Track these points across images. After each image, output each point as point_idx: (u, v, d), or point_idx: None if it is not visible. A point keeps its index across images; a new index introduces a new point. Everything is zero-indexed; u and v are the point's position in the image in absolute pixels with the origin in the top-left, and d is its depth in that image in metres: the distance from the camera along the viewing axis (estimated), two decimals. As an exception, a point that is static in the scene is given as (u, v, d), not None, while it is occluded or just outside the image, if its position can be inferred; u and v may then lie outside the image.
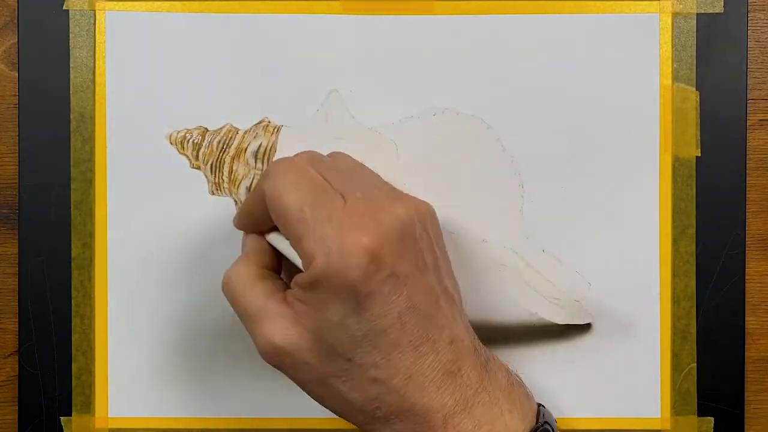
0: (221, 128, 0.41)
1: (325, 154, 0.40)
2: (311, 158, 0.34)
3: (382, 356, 0.31)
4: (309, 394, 0.33)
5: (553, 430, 0.33)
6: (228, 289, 0.34)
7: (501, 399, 0.33)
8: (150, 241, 0.41)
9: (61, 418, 0.41)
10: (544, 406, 0.35)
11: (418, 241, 0.32)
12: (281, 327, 0.31)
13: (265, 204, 0.32)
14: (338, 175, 0.33)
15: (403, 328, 0.31)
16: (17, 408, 0.41)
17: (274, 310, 0.32)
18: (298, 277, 0.31)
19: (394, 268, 0.30)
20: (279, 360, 0.32)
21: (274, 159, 0.40)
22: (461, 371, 0.32)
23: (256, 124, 0.41)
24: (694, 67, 0.41)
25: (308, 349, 0.31)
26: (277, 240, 0.34)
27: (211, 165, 0.41)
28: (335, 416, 0.41)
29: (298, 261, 0.32)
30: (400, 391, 0.31)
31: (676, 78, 0.41)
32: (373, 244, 0.30)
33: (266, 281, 0.34)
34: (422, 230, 0.33)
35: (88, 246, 0.41)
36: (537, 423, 0.33)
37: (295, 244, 0.31)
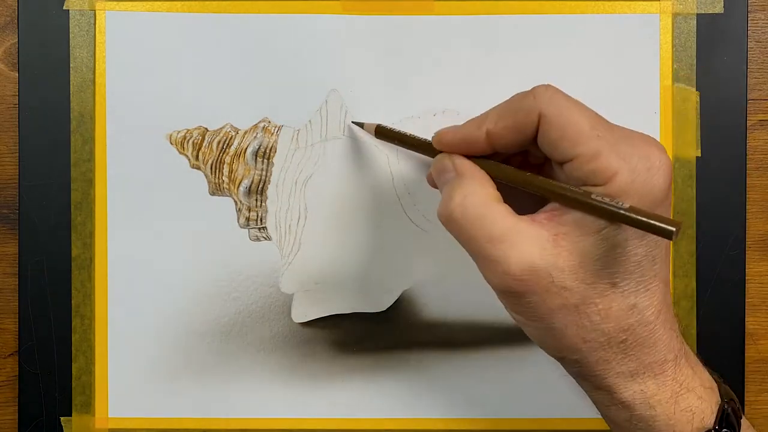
0: (221, 128, 0.41)
1: (325, 153, 0.41)
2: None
3: (645, 285, 0.30)
4: (543, 326, 0.31)
5: (737, 412, 0.33)
6: (462, 213, 0.31)
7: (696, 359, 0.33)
8: (150, 241, 0.41)
9: (61, 418, 0.41)
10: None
11: None
12: (540, 247, 0.29)
13: (530, 125, 0.31)
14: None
15: (665, 261, 0.31)
16: (17, 408, 0.41)
17: (527, 230, 0.30)
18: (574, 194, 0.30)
19: (672, 189, 0.31)
20: (530, 284, 0.30)
21: (275, 158, 0.40)
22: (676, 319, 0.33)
23: (256, 124, 0.41)
24: (694, 67, 0.41)
25: (571, 271, 0.30)
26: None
27: (211, 165, 0.41)
28: (335, 416, 0.41)
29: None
30: (651, 324, 0.31)
31: (676, 78, 0.41)
32: (670, 169, 0.30)
33: (504, 203, 0.31)
34: None
35: (88, 246, 0.41)
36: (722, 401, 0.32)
37: (588, 161, 0.29)
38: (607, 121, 0.31)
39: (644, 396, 0.31)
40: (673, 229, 0.27)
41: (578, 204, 0.29)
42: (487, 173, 0.32)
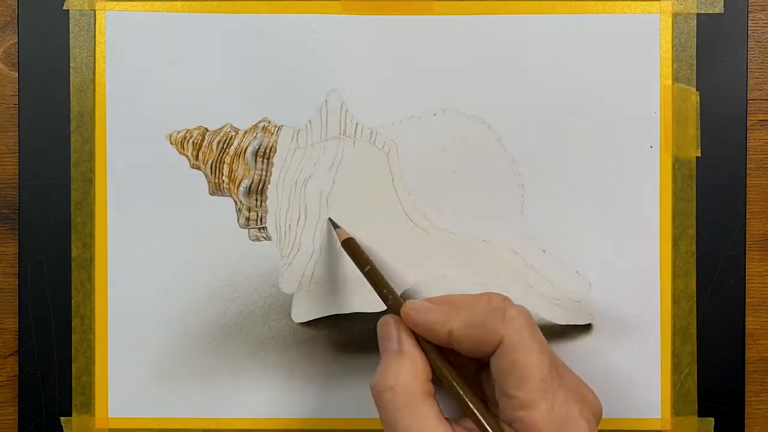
0: (221, 128, 0.41)
1: (325, 154, 0.41)
2: (535, 323, 0.33)
3: None
4: None
5: None
6: (390, 398, 0.32)
7: None
8: (150, 241, 0.41)
9: (61, 418, 0.41)
10: None
11: None
12: None
13: (490, 345, 0.31)
14: (552, 351, 0.33)
15: None
16: (17, 408, 0.41)
17: None
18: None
19: None
20: None
21: (275, 158, 0.40)
22: None
23: (255, 124, 0.41)
24: (694, 67, 0.41)
25: None
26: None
27: (211, 165, 0.41)
28: (335, 416, 0.41)
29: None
30: None
31: (676, 78, 0.41)
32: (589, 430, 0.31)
33: (433, 401, 0.32)
34: None
35: (88, 246, 0.41)
36: None
37: (520, 408, 0.30)
38: (559, 371, 0.31)
39: None
40: None
41: None
42: (431, 361, 0.33)
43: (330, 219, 0.40)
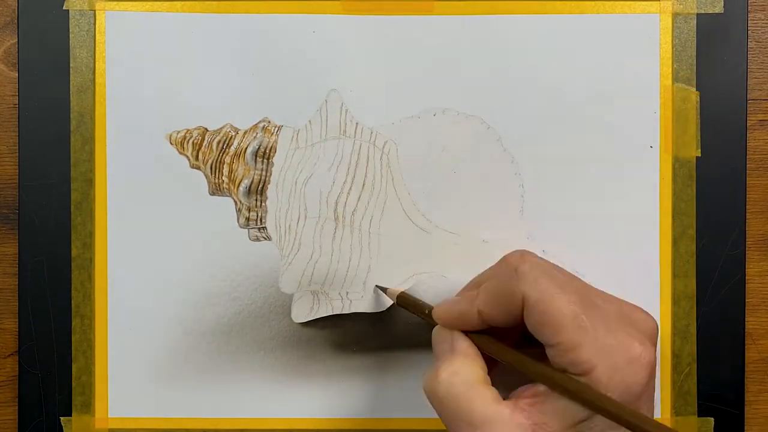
0: (221, 128, 0.41)
1: (325, 154, 0.41)
2: (552, 264, 0.33)
3: None
4: None
5: None
6: (446, 391, 0.31)
7: None
8: (150, 241, 0.41)
9: (61, 418, 0.41)
10: None
11: None
12: None
13: (517, 308, 0.31)
14: (579, 282, 0.32)
15: None
16: (17, 408, 0.41)
17: (507, 419, 0.30)
18: (554, 380, 0.30)
19: (655, 378, 0.31)
20: None
21: (275, 158, 0.40)
22: None
23: (255, 124, 0.41)
24: (694, 67, 0.41)
25: None
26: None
27: (211, 165, 0.41)
28: (335, 416, 0.41)
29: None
30: None
31: (676, 78, 0.41)
32: (652, 360, 0.30)
33: (490, 386, 0.32)
34: None
35: (88, 246, 0.41)
36: None
37: (567, 351, 0.30)
38: (595, 299, 0.31)
39: None
40: None
41: (574, 397, 0.30)
42: (482, 349, 0.33)
43: (377, 286, 0.40)
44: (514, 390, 0.32)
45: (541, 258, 0.32)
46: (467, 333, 0.33)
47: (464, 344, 0.33)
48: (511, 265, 0.32)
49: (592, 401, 0.29)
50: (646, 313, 0.33)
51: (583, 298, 0.31)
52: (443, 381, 0.31)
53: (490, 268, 0.34)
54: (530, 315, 0.31)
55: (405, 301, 0.38)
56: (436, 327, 0.34)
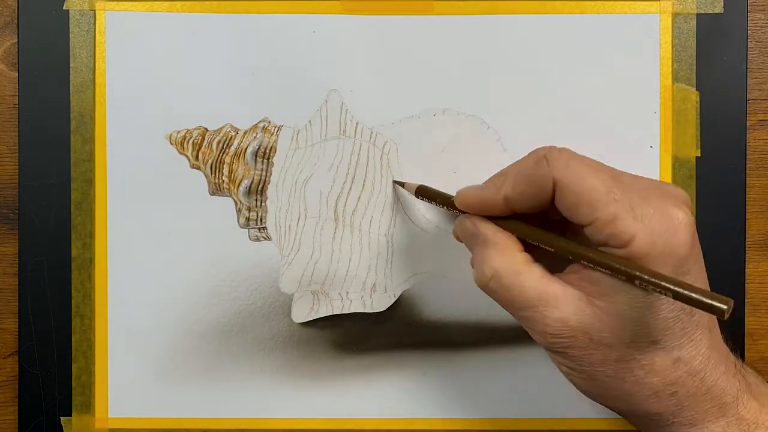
0: (221, 128, 0.41)
1: (325, 154, 0.41)
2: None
3: (687, 337, 0.31)
4: (587, 378, 0.32)
5: None
6: (496, 284, 0.32)
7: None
8: (150, 241, 0.41)
9: (61, 418, 0.41)
10: None
11: None
12: (574, 307, 0.31)
13: (546, 192, 0.31)
14: (610, 167, 0.32)
15: None
16: (17, 408, 0.41)
17: (561, 292, 0.31)
18: (596, 257, 0.30)
19: (699, 247, 0.31)
20: (569, 342, 0.31)
21: (275, 158, 0.40)
22: (730, 351, 0.33)
23: (255, 124, 0.41)
24: (694, 67, 0.41)
25: (609, 329, 0.30)
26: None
27: (211, 165, 0.41)
28: (335, 416, 0.41)
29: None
30: (700, 372, 0.31)
31: (676, 78, 0.41)
32: (691, 223, 0.30)
33: (536, 265, 0.32)
34: None
35: (88, 246, 0.41)
36: None
37: (605, 226, 0.30)
38: (625, 178, 0.31)
39: None
40: (725, 307, 0.27)
41: (609, 270, 0.30)
42: (513, 232, 0.33)
43: (394, 180, 0.40)
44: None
45: (568, 150, 0.32)
46: (492, 219, 0.33)
47: (495, 233, 0.33)
48: (539, 154, 0.32)
49: (629, 272, 0.29)
50: (674, 186, 0.33)
51: (613, 176, 0.31)
52: (491, 278, 0.32)
53: (515, 162, 0.34)
54: (564, 197, 0.31)
55: (425, 192, 0.38)
56: (459, 218, 0.35)
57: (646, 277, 0.28)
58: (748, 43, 0.41)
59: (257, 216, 0.41)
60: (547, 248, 0.32)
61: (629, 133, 0.41)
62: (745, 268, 0.41)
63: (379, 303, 0.40)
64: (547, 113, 0.41)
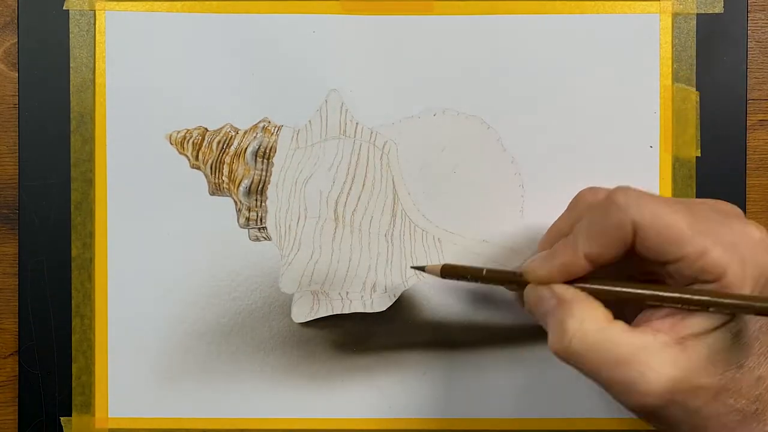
0: (221, 128, 0.41)
1: (325, 154, 0.41)
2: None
3: (765, 355, 0.30)
4: (687, 426, 0.31)
5: None
6: (581, 343, 0.30)
7: None
8: (150, 241, 0.41)
9: (61, 418, 0.41)
10: None
11: None
12: (672, 358, 0.29)
13: (627, 238, 0.30)
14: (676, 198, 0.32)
15: None
16: (17, 408, 0.41)
17: (654, 344, 0.29)
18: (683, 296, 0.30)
19: None
20: (672, 398, 0.29)
21: (275, 158, 0.40)
22: None
23: (255, 124, 0.41)
24: (694, 67, 0.41)
25: (704, 369, 0.29)
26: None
27: (211, 165, 0.41)
28: (335, 416, 0.41)
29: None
30: None
31: (676, 78, 0.41)
32: (766, 238, 0.30)
33: (618, 320, 0.30)
34: None
35: (88, 246, 0.41)
36: None
37: (695, 261, 0.29)
38: (695, 207, 0.31)
39: None
40: None
41: (712, 307, 0.29)
42: (593, 294, 0.31)
43: (412, 266, 0.40)
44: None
45: (630, 188, 0.31)
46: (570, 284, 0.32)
47: (573, 293, 0.31)
48: (601, 201, 0.31)
49: (725, 303, 0.29)
50: (724, 201, 0.32)
51: (688, 207, 0.30)
52: (574, 335, 0.30)
53: (564, 217, 0.33)
54: (647, 238, 0.30)
55: (452, 271, 0.35)
56: (531, 287, 0.32)
57: (756, 305, 0.28)
58: (748, 43, 0.41)
59: (257, 216, 0.41)
60: (633, 302, 0.31)
61: (629, 133, 0.41)
62: (745, 268, 0.41)
63: (379, 303, 0.40)
64: (547, 113, 0.41)
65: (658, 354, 0.29)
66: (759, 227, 0.30)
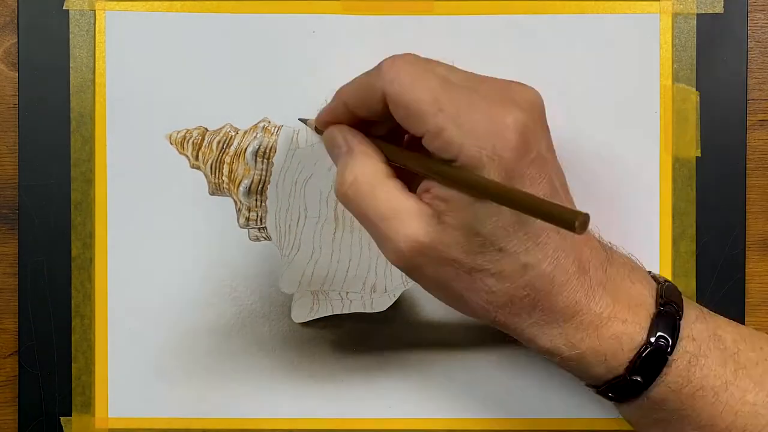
0: (221, 128, 0.41)
1: (325, 154, 0.40)
2: (422, 58, 0.33)
3: (532, 241, 0.31)
4: (446, 295, 0.33)
5: (676, 311, 0.33)
6: (354, 192, 0.32)
7: (628, 264, 0.34)
8: (150, 241, 0.41)
9: (61, 418, 0.41)
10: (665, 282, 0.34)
11: (545, 123, 0.32)
12: (425, 224, 0.31)
13: (378, 102, 0.31)
14: (455, 71, 0.32)
15: None
16: (17, 408, 0.41)
17: (413, 208, 0.31)
18: (440, 171, 0.30)
19: (539, 149, 0.31)
20: (420, 259, 0.31)
21: (275, 158, 0.40)
22: (589, 244, 0.33)
23: (256, 124, 0.41)
24: (694, 67, 0.41)
25: (456, 243, 0.30)
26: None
27: (211, 165, 0.41)
28: (335, 416, 0.41)
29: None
30: (549, 274, 0.31)
31: (676, 78, 0.41)
32: (520, 125, 0.30)
33: (394, 179, 0.32)
34: (544, 113, 0.33)
35: (88, 246, 0.41)
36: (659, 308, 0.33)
37: (434, 139, 0.30)
38: (460, 83, 0.31)
39: (566, 339, 0.32)
40: (576, 222, 0.26)
41: (460, 186, 0.30)
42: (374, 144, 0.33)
43: (300, 119, 0.40)
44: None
45: (415, 55, 0.32)
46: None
47: (360, 143, 0.33)
48: (375, 67, 0.32)
49: (469, 184, 0.29)
50: (526, 87, 0.32)
51: (445, 83, 0.31)
52: (350, 184, 0.32)
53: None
54: (394, 110, 0.31)
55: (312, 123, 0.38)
56: (325, 132, 0.35)
57: (491, 191, 0.29)
58: (748, 43, 0.41)
59: (257, 216, 0.41)
60: (403, 166, 0.32)
61: (629, 133, 0.41)
62: (745, 268, 0.41)
63: (379, 303, 0.40)
64: (547, 113, 0.40)
65: (414, 219, 0.31)
66: (516, 115, 0.30)
